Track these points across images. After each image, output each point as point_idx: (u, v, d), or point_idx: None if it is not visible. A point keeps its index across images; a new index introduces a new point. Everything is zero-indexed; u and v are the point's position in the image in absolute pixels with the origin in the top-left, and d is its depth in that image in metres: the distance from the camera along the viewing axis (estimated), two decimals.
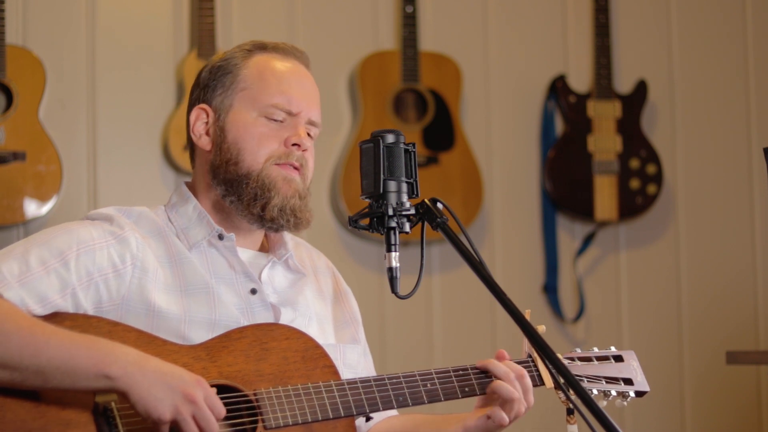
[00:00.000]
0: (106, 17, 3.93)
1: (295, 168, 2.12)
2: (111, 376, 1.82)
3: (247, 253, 2.16)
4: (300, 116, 2.14)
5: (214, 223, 2.12)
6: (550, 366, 1.79)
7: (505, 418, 2.05)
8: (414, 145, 1.99)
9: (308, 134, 2.16)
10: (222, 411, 1.86)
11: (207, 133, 2.16)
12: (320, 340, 2.08)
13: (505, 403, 2.06)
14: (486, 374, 2.10)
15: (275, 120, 2.12)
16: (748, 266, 4.56)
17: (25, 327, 1.84)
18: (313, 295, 2.22)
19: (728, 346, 4.01)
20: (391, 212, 1.95)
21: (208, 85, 2.17)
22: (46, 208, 3.73)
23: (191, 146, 2.21)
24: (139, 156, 3.94)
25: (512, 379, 2.07)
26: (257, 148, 2.10)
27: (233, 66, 2.16)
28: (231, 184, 2.11)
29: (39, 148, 3.71)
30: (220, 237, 2.11)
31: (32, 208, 3.71)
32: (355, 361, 2.21)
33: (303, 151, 2.13)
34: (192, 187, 2.19)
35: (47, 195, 3.72)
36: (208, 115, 2.16)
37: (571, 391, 1.79)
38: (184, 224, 2.12)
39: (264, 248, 2.21)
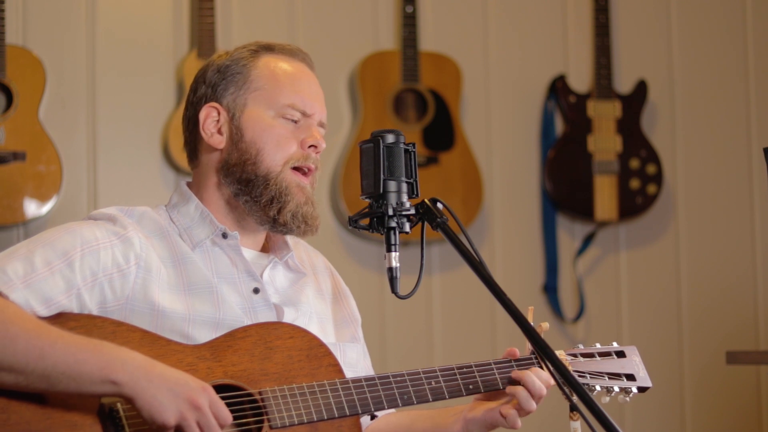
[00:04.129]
0: (106, 17, 3.93)
1: (306, 173, 2.13)
2: (117, 381, 1.82)
3: (249, 253, 2.16)
4: (314, 117, 2.16)
5: (216, 222, 2.12)
6: (551, 368, 1.79)
7: (519, 423, 2.07)
8: (414, 145, 1.99)
9: None
10: (228, 418, 1.85)
11: (219, 132, 2.15)
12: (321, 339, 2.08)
13: (521, 408, 2.07)
14: (490, 371, 2.10)
15: (291, 120, 2.13)
16: (748, 266, 4.56)
17: (31, 330, 1.83)
18: (313, 294, 2.22)
19: (728, 346, 4.01)
20: (391, 212, 1.95)
21: (218, 83, 2.16)
22: (46, 208, 3.73)
23: (193, 144, 2.21)
24: (139, 156, 3.94)
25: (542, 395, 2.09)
26: (276, 149, 2.11)
27: (242, 66, 2.16)
28: (246, 184, 2.11)
29: (39, 148, 3.71)
30: (224, 235, 2.11)
31: (32, 208, 3.71)
32: (355, 360, 2.21)
33: (318, 153, 2.15)
34: (193, 186, 2.19)
35: (47, 195, 3.72)
36: (219, 114, 2.15)
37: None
38: (187, 224, 2.12)
39: (265, 249, 2.21)
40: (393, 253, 1.96)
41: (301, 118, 2.14)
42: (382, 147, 1.96)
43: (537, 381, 2.07)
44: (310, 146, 2.13)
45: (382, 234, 1.97)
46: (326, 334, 2.19)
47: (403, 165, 1.97)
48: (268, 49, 2.18)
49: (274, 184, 2.10)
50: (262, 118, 2.13)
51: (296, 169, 2.12)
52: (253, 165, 2.11)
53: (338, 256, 4.05)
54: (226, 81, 2.15)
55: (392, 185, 1.96)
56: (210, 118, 2.16)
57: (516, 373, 2.10)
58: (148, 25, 3.98)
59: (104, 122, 3.91)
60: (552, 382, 2.07)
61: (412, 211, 1.97)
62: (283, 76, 2.15)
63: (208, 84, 2.17)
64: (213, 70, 2.18)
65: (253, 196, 2.11)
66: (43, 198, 3.72)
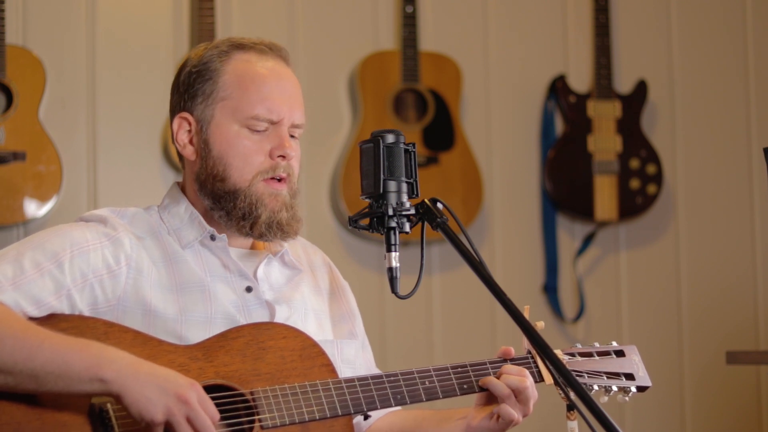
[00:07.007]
0: (106, 17, 3.93)
1: (281, 180, 2.11)
2: (105, 379, 1.82)
3: (241, 251, 2.16)
4: (282, 123, 2.11)
5: (205, 224, 2.12)
6: (550, 366, 1.79)
7: (514, 414, 2.03)
8: (414, 145, 1.99)
9: (292, 135, 2.13)
10: (215, 415, 1.85)
11: (191, 143, 2.14)
12: (318, 336, 2.08)
13: (503, 400, 2.06)
14: (485, 371, 2.10)
15: (258, 131, 2.10)
16: (748, 266, 4.56)
17: (18, 330, 1.84)
18: (310, 290, 2.22)
19: (728, 346, 4.01)
20: (391, 212, 1.95)
21: (188, 91, 2.13)
22: (46, 208, 3.73)
23: (176, 148, 2.21)
24: (139, 156, 3.94)
25: (509, 396, 2.05)
26: (243, 164, 2.08)
27: (212, 72, 2.12)
28: (218, 200, 2.10)
29: (39, 148, 3.71)
30: (212, 238, 2.11)
31: (32, 208, 3.71)
32: (352, 357, 2.20)
33: (287, 161, 2.11)
34: (183, 188, 2.19)
35: (47, 195, 3.72)
36: (190, 125, 2.14)
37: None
38: (176, 225, 2.12)
39: (258, 244, 2.21)
40: (393, 253, 1.96)
41: (268, 126, 2.10)
42: (382, 147, 1.96)
43: (500, 384, 2.05)
44: (279, 156, 2.10)
45: (382, 234, 1.97)
46: (324, 331, 2.19)
47: (403, 165, 1.97)
48: (240, 47, 2.14)
49: (242, 200, 2.08)
50: (228, 132, 2.10)
51: (268, 180, 2.10)
52: (221, 182, 2.09)
53: (338, 256, 4.05)
54: (195, 89, 2.12)
55: (392, 185, 1.96)
56: (182, 129, 2.15)
57: (482, 380, 2.08)
58: (148, 25, 3.98)
59: (104, 122, 3.90)
60: (525, 384, 2.05)
61: (412, 211, 1.97)
62: (250, 82, 2.10)
63: (183, 89, 2.15)
64: (186, 73, 2.15)
65: (226, 212, 2.10)
66: (43, 198, 3.72)
